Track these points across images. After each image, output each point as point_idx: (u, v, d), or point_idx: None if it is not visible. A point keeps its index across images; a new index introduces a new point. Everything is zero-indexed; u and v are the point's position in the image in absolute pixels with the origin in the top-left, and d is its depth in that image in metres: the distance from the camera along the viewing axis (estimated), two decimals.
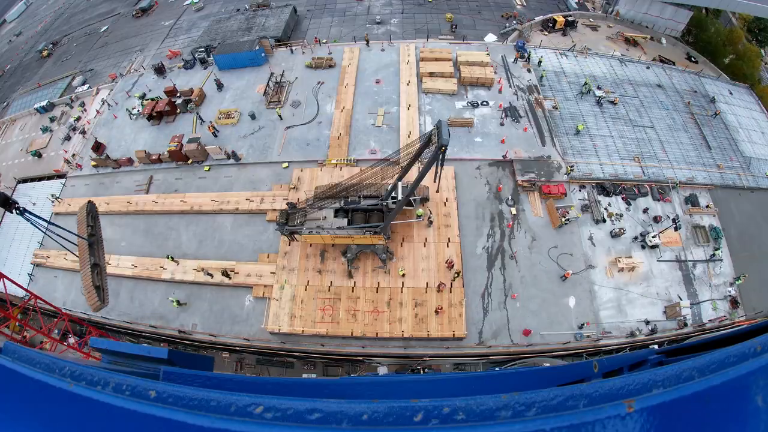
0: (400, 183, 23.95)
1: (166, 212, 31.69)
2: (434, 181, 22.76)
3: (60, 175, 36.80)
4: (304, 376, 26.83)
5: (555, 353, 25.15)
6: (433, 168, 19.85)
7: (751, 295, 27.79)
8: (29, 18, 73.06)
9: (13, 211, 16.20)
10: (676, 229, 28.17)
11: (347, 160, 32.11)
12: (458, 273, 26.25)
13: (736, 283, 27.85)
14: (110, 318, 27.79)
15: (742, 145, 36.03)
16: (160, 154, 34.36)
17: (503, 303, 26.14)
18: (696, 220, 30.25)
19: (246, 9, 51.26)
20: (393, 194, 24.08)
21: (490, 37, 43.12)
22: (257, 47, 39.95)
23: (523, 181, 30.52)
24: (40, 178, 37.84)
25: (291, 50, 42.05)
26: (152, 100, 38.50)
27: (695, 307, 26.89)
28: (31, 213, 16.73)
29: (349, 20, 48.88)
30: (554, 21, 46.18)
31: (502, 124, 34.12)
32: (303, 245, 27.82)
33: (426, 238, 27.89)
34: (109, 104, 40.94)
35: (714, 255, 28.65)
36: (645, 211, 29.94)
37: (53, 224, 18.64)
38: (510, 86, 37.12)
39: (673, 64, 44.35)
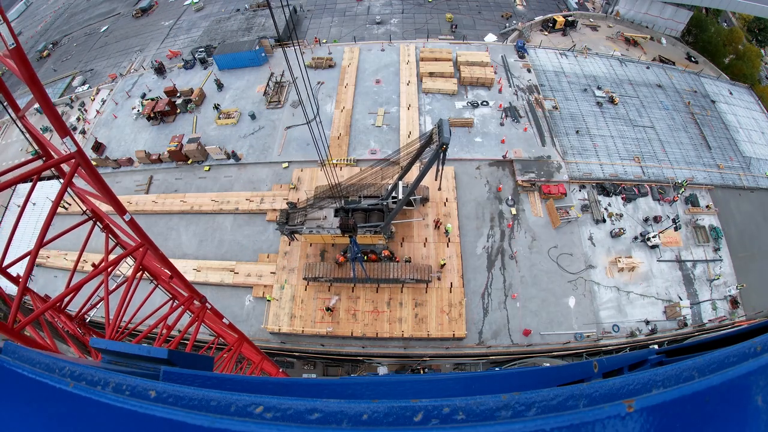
0: (400, 183, 23.95)
1: (166, 212, 31.68)
2: (435, 180, 22.77)
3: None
4: (304, 376, 26.82)
5: (555, 353, 25.14)
6: (434, 167, 19.84)
7: (751, 295, 27.79)
8: (29, 18, 73.03)
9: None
10: (676, 229, 28.17)
11: (347, 160, 32.11)
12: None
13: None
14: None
15: (742, 145, 36.03)
16: (160, 154, 34.36)
17: (503, 303, 26.13)
18: (701, 221, 30.15)
19: (246, 9, 51.27)
20: (393, 194, 24.09)
21: (490, 37, 43.11)
22: (257, 47, 39.95)
23: (523, 181, 30.51)
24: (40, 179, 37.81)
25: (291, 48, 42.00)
26: (152, 100, 38.52)
27: (695, 307, 26.89)
28: None
29: (349, 20, 48.87)
30: (554, 21, 46.20)
31: (502, 124, 34.11)
32: (303, 245, 27.82)
33: (426, 238, 27.88)
34: (115, 102, 40.98)
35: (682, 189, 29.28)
36: (646, 220, 29.77)
37: None
38: (510, 86, 37.12)
39: (673, 64, 44.34)
